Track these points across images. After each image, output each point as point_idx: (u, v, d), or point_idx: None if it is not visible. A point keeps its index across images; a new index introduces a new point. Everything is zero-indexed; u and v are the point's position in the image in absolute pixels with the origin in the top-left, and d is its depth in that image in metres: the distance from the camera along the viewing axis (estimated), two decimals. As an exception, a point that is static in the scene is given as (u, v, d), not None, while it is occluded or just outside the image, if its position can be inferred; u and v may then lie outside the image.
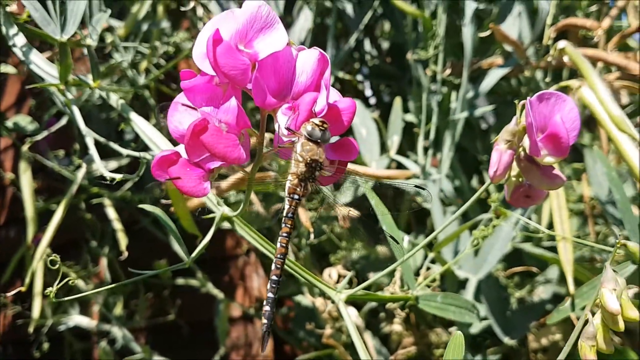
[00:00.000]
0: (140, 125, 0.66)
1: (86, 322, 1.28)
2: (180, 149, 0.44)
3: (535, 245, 1.05)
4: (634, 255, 0.40)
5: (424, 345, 1.25)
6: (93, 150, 0.59)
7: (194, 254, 0.60)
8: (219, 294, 1.27)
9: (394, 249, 0.64)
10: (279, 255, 0.42)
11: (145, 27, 1.10)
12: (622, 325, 0.40)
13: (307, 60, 0.41)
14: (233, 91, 0.41)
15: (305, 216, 0.83)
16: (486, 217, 0.84)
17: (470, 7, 0.95)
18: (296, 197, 0.42)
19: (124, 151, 0.65)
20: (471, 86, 1.02)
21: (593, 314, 0.43)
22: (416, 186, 0.42)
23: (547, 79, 0.87)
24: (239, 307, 1.33)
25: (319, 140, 0.40)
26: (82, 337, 1.39)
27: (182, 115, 0.42)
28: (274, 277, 0.42)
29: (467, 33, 0.95)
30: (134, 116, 0.67)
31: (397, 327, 1.22)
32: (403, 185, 0.44)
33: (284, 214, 0.43)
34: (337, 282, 1.15)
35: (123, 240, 1.05)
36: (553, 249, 1.07)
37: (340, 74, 1.22)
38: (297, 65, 0.41)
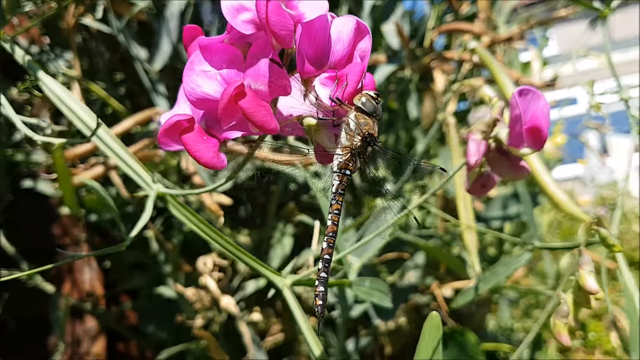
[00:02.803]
0: (52, 86, 0.55)
1: None
2: (184, 110, 0.39)
3: (405, 232, 1.12)
4: (605, 241, 0.46)
5: (291, 333, 1.26)
6: (13, 115, 0.47)
7: (132, 233, 0.52)
8: (49, 287, 1.13)
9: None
10: (330, 233, 0.39)
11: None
12: (593, 304, 0.45)
13: (344, 28, 0.39)
14: (260, 53, 0.37)
15: (210, 200, 0.77)
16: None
17: (368, 3, 0.97)
18: (348, 172, 0.39)
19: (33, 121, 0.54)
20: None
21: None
22: (441, 168, 0.42)
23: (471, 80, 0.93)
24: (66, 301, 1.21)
25: (374, 114, 0.38)
26: None
27: (199, 77, 0.37)
28: (326, 257, 0.38)
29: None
30: (43, 75, 0.55)
31: (256, 315, 1.21)
32: (428, 167, 0.43)
33: (334, 191, 0.39)
34: (212, 270, 1.10)
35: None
36: (422, 237, 1.16)
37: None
38: (332, 33, 0.39)
